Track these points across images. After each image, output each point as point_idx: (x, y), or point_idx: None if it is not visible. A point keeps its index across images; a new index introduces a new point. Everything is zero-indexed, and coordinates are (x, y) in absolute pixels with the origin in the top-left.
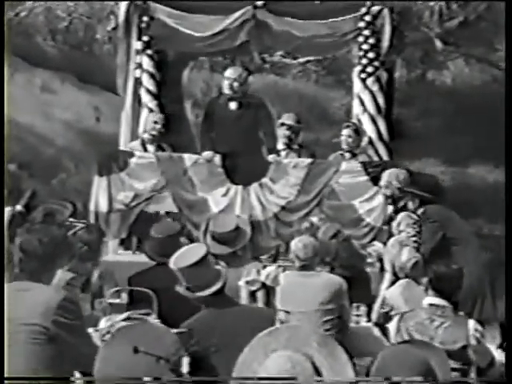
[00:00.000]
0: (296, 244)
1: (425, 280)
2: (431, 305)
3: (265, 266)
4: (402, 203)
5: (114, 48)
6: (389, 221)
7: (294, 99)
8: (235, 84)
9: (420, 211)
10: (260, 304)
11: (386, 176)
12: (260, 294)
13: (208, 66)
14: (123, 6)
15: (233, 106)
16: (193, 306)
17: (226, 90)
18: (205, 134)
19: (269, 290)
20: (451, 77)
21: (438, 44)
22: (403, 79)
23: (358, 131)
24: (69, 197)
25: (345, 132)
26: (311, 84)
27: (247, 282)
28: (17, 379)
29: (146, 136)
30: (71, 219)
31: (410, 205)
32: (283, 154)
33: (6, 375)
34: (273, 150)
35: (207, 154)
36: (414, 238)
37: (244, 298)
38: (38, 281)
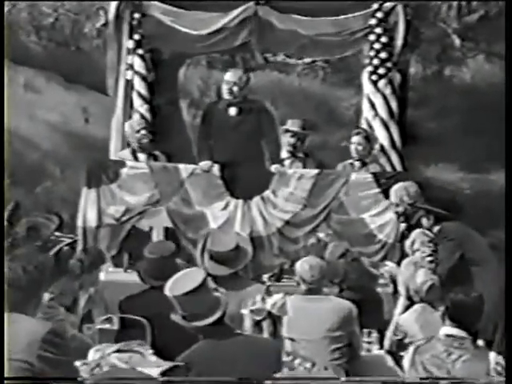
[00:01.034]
0: (301, 266)
1: (441, 307)
2: (448, 336)
3: (268, 289)
4: (415, 219)
5: (103, 46)
6: (401, 238)
7: (299, 98)
8: (235, 88)
9: (436, 229)
10: (266, 334)
11: (394, 192)
12: (266, 324)
13: (205, 62)
14: (114, 1)
15: (232, 111)
16: (190, 336)
17: (226, 95)
18: (202, 143)
19: (275, 320)
20: (470, 74)
21: (456, 40)
22: (418, 76)
23: (369, 138)
24: (54, 207)
25: (354, 139)
26: (318, 82)
27: (252, 311)
28: (17, 379)
29: (134, 144)
30: (57, 233)
31: (425, 221)
32: (287, 163)
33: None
34: (276, 160)
35: (205, 164)
36: (429, 258)
37: (248, 328)
38: (22, 312)
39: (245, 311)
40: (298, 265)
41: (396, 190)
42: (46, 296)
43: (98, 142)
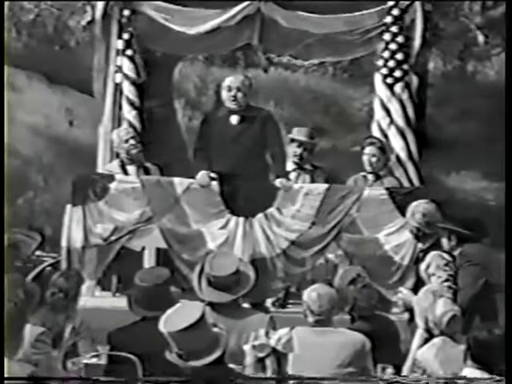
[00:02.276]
0: (309, 295)
1: (463, 340)
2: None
3: (272, 319)
4: (433, 240)
5: (90, 45)
6: (416, 261)
7: (306, 98)
8: (239, 95)
9: (457, 251)
10: (269, 373)
11: (411, 210)
12: (269, 361)
13: (203, 58)
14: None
15: (234, 120)
16: (186, 376)
17: (229, 103)
18: (200, 154)
19: (279, 356)
20: (494, 71)
21: (480, 36)
22: (438, 72)
23: (384, 149)
24: (36, 222)
25: (368, 150)
26: (327, 80)
27: (254, 347)
28: (17, 379)
29: (123, 156)
30: (39, 253)
31: (445, 243)
32: (293, 176)
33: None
34: (281, 173)
35: (202, 177)
36: (446, 284)
37: (249, 365)
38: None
39: (246, 347)
40: (305, 294)
41: (413, 208)
42: (37, 330)
43: (83, 148)
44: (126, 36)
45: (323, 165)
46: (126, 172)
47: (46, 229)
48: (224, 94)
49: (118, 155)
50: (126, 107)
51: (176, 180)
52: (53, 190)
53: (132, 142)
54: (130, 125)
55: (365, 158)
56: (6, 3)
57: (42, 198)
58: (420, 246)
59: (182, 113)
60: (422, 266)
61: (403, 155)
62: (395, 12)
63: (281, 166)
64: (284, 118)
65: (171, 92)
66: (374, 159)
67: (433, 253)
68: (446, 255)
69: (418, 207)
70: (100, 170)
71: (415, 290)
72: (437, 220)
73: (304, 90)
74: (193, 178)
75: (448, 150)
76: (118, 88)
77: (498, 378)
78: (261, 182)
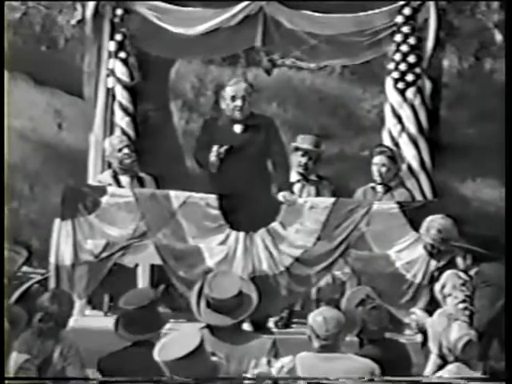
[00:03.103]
0: (314, 319)
1: (479, 367)
2: None
3: (275, 344)
4: (448, 259)
5: (79, 46)
6: (431, 280)
7: (311, 99)
8: (245, 104)
9: (473, 271)
10: None
11: (426, 226)
12: None
13: None
14: None
15: (237, 129)
16: None
17: (230, 112)
18: (198, 162)
19: None
20: None
21: (498, 35)
22: (454, 70)
23: (395, 158)
24: (22, 235)
25: (377, 159)
26: (334, 79)
27: (255, 377)
28: (17, 379)
29: (116, 166)
30: (25, 268)
31: (460, 262)
32: (297, 187)
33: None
34: (284, 184)
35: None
36: (462, 305)
37: None
38: None
39: (247, 375)
40: (311, 318)
41: (428, 223)
42: (21, 358)
43: (73, 153)
44: (118, 37)
45: (329, 171)
46: (118, 183)
47: (33, 242)
48: (227, 104)
49: (110, 165)
50: (118, 113)
51: (172, 193)
52: (40, 199)
53: (126, 151)
54: (123, 132)
55: (374, 168)
56: (6, 3)
57: (27, 208)
58: (434, 263)
59: (179, 115)
60: (437, 286)
61: (415, 165)
62: (407, 11)
63: (283, 177)
64: (287, 120)
65: (167, 93)
66: (383, 169)
67: (449, 272)
68: (462, 274)
69: (434, 222)
70: (91, 181)
71: (429, 310)
72: (453, 237)
73: (309, 89)
74: (190, 189)
75: (463, 155)
76: (110, 93)
77: None
78: (263, 195)
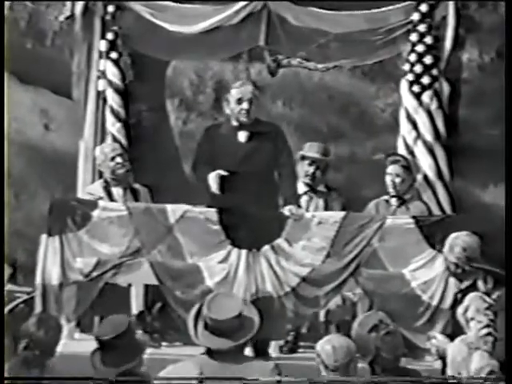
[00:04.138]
0: (322, 347)
1: None
2: None
3: (277, 367)
4: (472, 279)
5: (68, 44)
6: (454, 303)
7: (320, 97)
8: (245, 106)
9: (495, 295)
10: None
11: (449, 243)
12: None
13: None
14: None
15: (242, 137)
16: None
17: (236, 116)
18: (198, 177)
19: None
20: None
21: None
22: (473, 64)
23: (410, 168)
24: (6, 249)
25: (391, 169)
26: (344, 75)
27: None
28: (17, 379)
29: (108, 176)
30: (9, 287)
31: (480, 285)
32: (304, 200)
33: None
34: (291, 197)
35: (213, 177)
36: (486, 330)
37: None
38: None
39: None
40: (319, 346)
41: (452, 241)
42: None
43: (62, 156)
44: (110, 36)
45: (339, 177)
46: (110, 195)
47: (18, 255)
48: (232, 108)
49: (101, 175)
50: (109, 119)
51: (168, 207)
52: (25, 209)
53: (118, 160)
54: (115, 139)
55: (388, 179)
56: (6, 3)
57: (12, 217)
58: (454, 284)
59: (176, 115)
60: (460, 309)
61: (432, 175)
62: (423, 8)
63: (291, 190)
64: (293, 120)
65: (163, 92)
66: (397, 180)
67: (473, 294)
68: (487, 297)
69: (458, 240)
70: (80, 194)
71: (449, 334)
72: (478, 256)
73: (317, 87)
74: (188, 200)
75: (485, 158)
76: (101, 96)
77: None
78: (267, 208)
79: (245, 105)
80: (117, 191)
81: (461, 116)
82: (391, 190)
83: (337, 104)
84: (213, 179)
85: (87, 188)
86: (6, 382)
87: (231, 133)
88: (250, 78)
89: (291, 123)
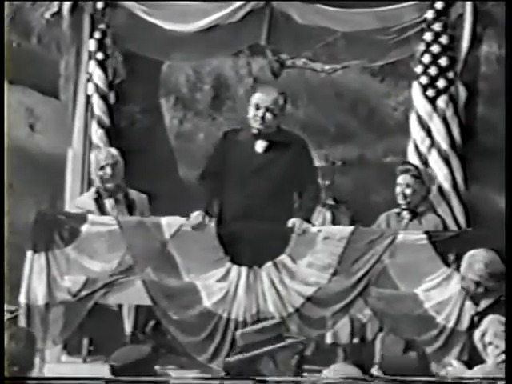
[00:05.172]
0: (329, 374)
1: None
2: None
3: None
4: (492, 299)
5: (55, 43)
6: (471, 326)
7: (327, 94)
8: (268, 115)
9: None
10: None
11: (467, 261)
12: None
13: None
14: None
15: (260, 147)
16: None
17: (252, 122)
18: (206, 188)
19: None
20: None
21: None
22: (492, 57)
23: (422, 178)
24: None
25: (401, 179)
26: (353, 72)
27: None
28: (17, 379)
29: (98, 185)
30: None
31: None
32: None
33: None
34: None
35: (196, 216)
36: (503, 357)
37: None
38: None
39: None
40: (326, 372)
41: (469, 259)
42: None
43: (49, 159)
44: (98, 35)
45: (347, 182)
46: (102, 207)
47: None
48: (251, 112)
49: (90, 184)
50: (94, 125)
51: (163, 221)
52: (10, 215)
53: (108, 170)
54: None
55: (398, 190)
56: (6, 3)
57: None
58: (469, 304)
59: (171, 114)
60: (477, 333)
61: (447, 186)
62: (438, 5)
63: (310, 212)
64: (298, 119)
65: (157, 89)
66: (408, 191)
67: (490, 317)
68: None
69: (477, 256)
70: (68, 206)
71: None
72: (501, 271)
73: (324, 83)
74: (184, 207)
75: (503, 160)
76: (90, 100)
77: None
78: (271, 222)
79: (260, 112)
80: (109, 203)
81: (478, 115)
82: (402, 202)
83: (344, 102)
84: (195, 217)
85: (76, 201)
86: (5, 382)
87: (249, 141)
88: (251, 74)
89: (296, 122)
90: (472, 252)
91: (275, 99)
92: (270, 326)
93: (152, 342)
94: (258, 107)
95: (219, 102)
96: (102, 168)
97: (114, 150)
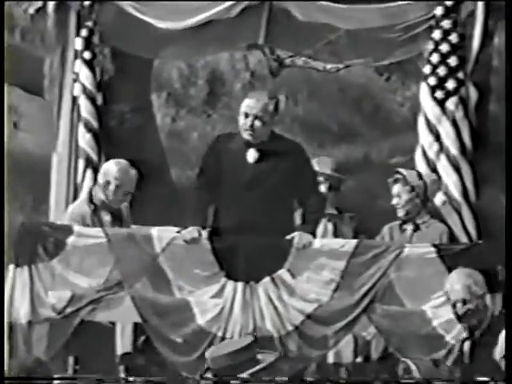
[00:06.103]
0: None
1: None
2: None
3: None
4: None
5: (39, 40)
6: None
7: (329, 90)
8: (257, 123)
9: None
10: None
11: (461, 283)
12: None
13: None
14: None
15: (251, 157)
16: None
17: (243, 132)
18: (200, 200)
19: None
20: None
21: None
22: (503, 48)
23: (411, 185)
24: None
25: (394, 190)
26: (357, 67)
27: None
28: (17, 379)
29: (100, 197)
30: None
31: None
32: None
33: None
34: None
35: (191, 231)
36: None
37: None
38: None
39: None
40: None
41: (461, 279)
42: None
43: (34, 160)
44: (85, 33)
45: (350, 184)
46: (94, 222)
47: None
48: (240, 121)
49: (76, 193)
50: (81, 129)
51: (154, 232)
52: None
53: (111, 188)
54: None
55: (394, 202)
56: (7, 3)
57: None
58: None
59: (163, 111)
60: (498, 350)
61: (457, 195)
62: (448, 2)
63: (313, 225)
64: (298, 117)
65: (148, 85)
66: (400, 200)
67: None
68: None
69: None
70: (53, 215)
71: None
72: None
73: (326, 78)
74: (175, 213)
75: None
76: (77, 102)
77: None
78: (269, 235)
79: (249, 120)
80: (107, 217)
81: (490, 115)
82: (401, 214)
83: (348, 97)
84: (190, 232)
85: (69, 212)
86: (5, 382)
87: (241, 150)
88: (248, 68)
89: (296, 120)
90: (461, 274)
91: (264, 106)
92: (242, 348)
93: (143, 358)
94: (246, 115)
95: (214, 98)
96: (106, 184)
97: (131, 170)
